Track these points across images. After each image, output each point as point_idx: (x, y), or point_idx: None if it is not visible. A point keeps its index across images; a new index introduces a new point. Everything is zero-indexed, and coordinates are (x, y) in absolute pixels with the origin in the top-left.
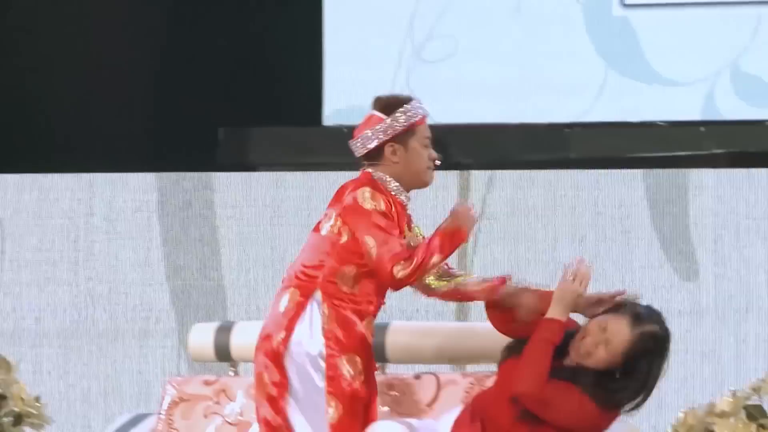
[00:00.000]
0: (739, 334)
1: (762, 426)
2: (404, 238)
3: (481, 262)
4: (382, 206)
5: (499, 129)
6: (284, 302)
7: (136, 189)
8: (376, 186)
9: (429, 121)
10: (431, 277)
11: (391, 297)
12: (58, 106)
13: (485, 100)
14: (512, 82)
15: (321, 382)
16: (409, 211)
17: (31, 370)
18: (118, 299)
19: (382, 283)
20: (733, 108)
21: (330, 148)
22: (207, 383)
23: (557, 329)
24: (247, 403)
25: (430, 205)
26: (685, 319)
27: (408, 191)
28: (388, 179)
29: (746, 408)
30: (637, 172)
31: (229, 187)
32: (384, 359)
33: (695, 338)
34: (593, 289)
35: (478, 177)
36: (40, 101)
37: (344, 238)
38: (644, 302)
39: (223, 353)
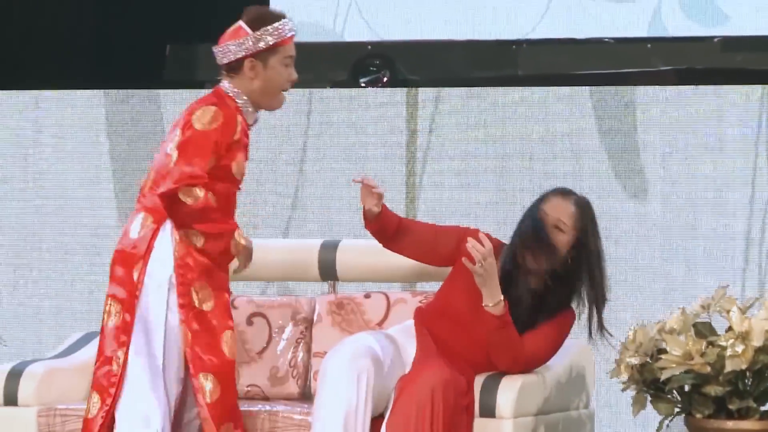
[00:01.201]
0: (687, 251)
1: (711, 343)
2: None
3: (430, 179)
4: (212, 133)
5: (447, 46)
6: (136, 227)
7: (84, 106)
8: (223, 104)
9: (374, 37)
10: None
11: (340, 214)
12: (5, 24)
13: (432, 16)
14: None
15: (171, 313)
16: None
17: None
18: (66, 216)
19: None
20: (679, 25)
21: None
22: None
23: (505, 314)
24: None
25: (379, 123)
26: (634, 237)
27: (256, 110)
28: (240, 93)
29: (695, 326)
30: (585, 89)
31: (176, 104)
32: (334, 277)
33: (645, 256)
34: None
35: (426, 94)
36: None
37: None
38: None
39: None
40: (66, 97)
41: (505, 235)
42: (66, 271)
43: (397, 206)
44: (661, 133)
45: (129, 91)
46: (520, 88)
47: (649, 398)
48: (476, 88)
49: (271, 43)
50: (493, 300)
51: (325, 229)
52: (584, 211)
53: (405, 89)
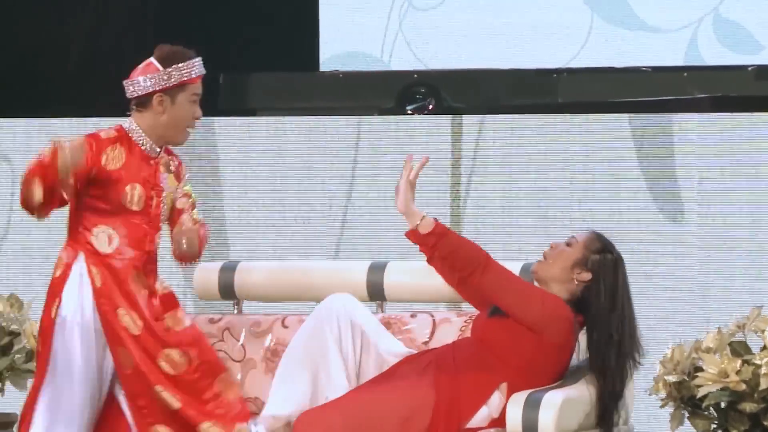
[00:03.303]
0: (724, 272)
1: (746, 362)
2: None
3: (474, 204)
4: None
5: (490, 74)
6: (57, 266)
7: None
8: (98, 134)
9: (420, 66)
10: None
11: (388, 236)
12: (65, 53)
13: (476, 46)
14: (502, 29)
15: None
16: (174, 161)
17: (41, 308)
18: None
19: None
20: (714, 54)
21: (326, 93)
22: (212, 321)
23: (435, 226)
24: (248, 340)
25: (425, 149)
26: (671, 258)
27: (159, 144)
28: (138, 129)
29: (731, 344)
30: (624, 116)
31: (229, 131)
32: (382, 298)
33: (682, 276)
34: (584, 226)
35: (470, 121)
36: (47, 48)
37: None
38: (632, 242)
39: (227, 292)
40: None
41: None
42: None
43: None
44: (697, 157)
45: None
46: (561, 115)
47: (686, 415)
48: (518, 115)
49: (180, 80)
50: (414, 222)
51: (373, 252)
52: (601, 239)
53: (450, 116)
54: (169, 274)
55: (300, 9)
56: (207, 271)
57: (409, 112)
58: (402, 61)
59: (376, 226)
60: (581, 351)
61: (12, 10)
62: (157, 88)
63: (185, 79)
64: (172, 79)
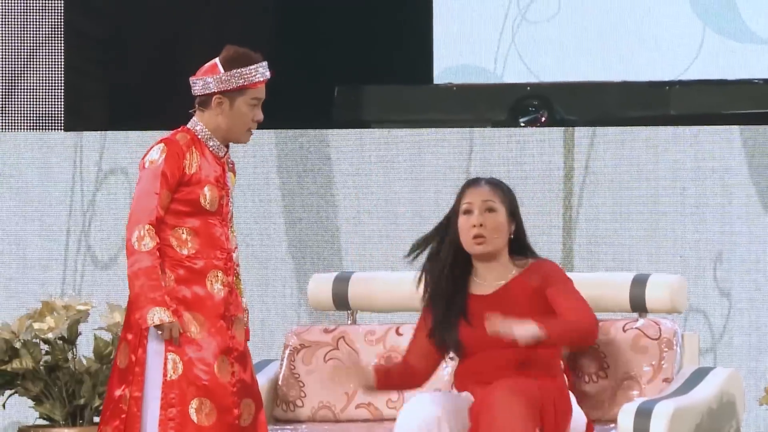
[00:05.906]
0: None
1: None
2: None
3: (585, 214)
4: (160, 162)
5: (602, 87)
6: None
7: (257, 145)
8: (171, 140)
9: (533, 79)
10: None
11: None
12: (180, 68)
13: (588, 58)
14: (614, 42)
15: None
16: (230, 159)
17: None
18: (239, 249)
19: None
20: None
21: (440, 106)
22: (326, 331)
23: (541, 328)
24: (363, 347)
25: (538, 160)
26: None
27: (224, 143)
28: (203, 128)
29: None
30: (735, 128)
31: (344, 144)
32: None
33: None
34: (695, 236)
35: (582, 133)
36: (161, 62)
37: None
38: (742, 252)
39: (341, 302)
40: None
41: (656, 268)
42: None
43: (554, 239)
44: None
45: (299, 130)
46: (673, 127)
47: None
48: (630, 126)
49: (239, 84)
50: (529, 333)
51: None
52: (500, 184)
53: (562, 128)
54: (282, 285)
55: (414, 23)
56: (321, 282)
57: (522, 124)
58: (515, 73)
59: None
60: (685, 356)
61: (127, 25)
62: (216, 90)
63: (244, 83)
64: (232, 83)
